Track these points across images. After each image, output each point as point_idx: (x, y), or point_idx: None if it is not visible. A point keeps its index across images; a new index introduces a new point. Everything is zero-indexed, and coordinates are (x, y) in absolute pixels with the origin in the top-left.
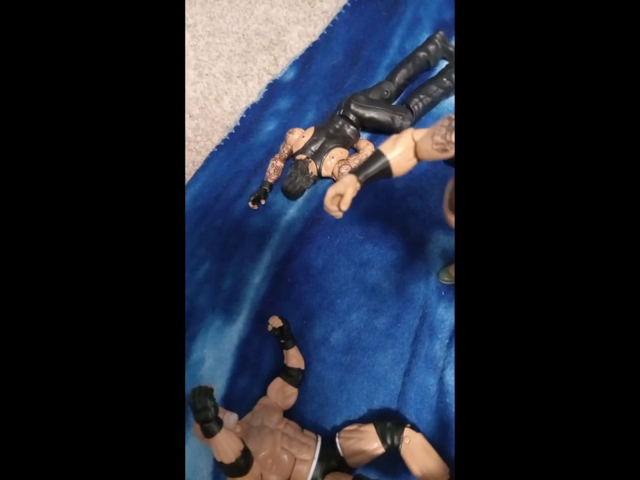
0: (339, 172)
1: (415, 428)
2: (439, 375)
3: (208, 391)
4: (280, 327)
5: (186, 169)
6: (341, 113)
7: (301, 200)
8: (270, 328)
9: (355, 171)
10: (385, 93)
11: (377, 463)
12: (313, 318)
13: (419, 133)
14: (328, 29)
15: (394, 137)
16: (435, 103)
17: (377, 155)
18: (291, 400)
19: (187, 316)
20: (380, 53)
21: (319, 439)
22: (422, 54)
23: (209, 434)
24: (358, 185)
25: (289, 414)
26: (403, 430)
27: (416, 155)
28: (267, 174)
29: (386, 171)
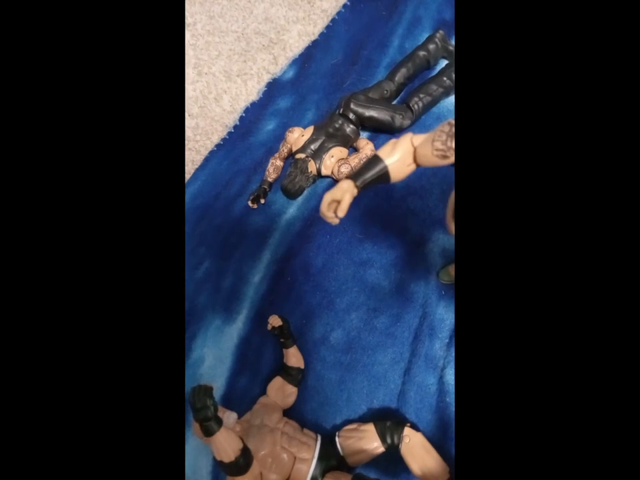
0: (338, 171)
1: (414, 427)
2: (438, 374)
3: (207, 390)
4: (280, 326)
5: (185, 168)
6: (341, 112)
7: (300, 199)
8: (270, 327)
9: (353, 176)
10: (385, 92)
11: (376, 462)
12: (312, 317)
13: (418, 138)
14: (328, 27)
15: (392, 141)
16: (434, 102)
17: (375, 159)
18: (291, 399)
19: (186, 315)
20: (380, 52)
21: (319, 438)
22: (422, 53)
23: (208, 433)
24: (355, 191)
25: (288, 413)
26: (402, 429)
27: (415, 160)
28: (267, 173)
29: (384, 176)
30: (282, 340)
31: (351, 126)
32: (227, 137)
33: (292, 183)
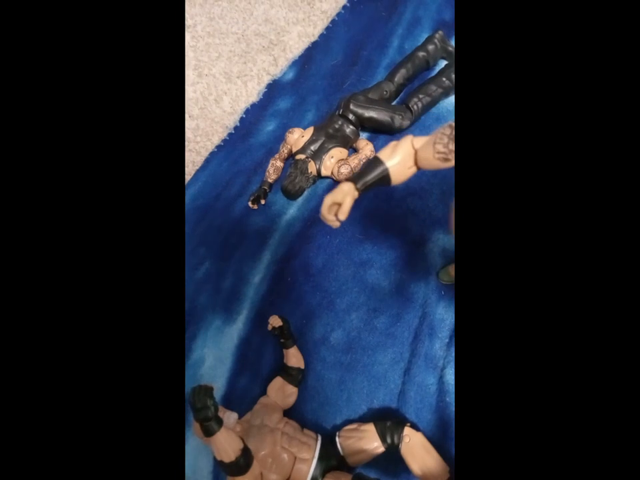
0: (338, 171)
1: (414, 427)
2: (438, 374)
3: (208, 390)
4: (280, 327)
5: (186, 169)
6: (341, 113)
7: (300, 199)
8: (270, 327)
9: (353, 179)
10: (385, 92)
11: (377, 462)
12: (312, 317)
13: (419, 141)
14: (327, 29)
15: (393, 143)
16: (434, 102)
17: (376, 162)
18: (291, 399)
19: (187, 315)
20: (379, 52)
21: (319, 438)
22: (421, 54)
23: (208, 433)
24: (356, 194)
25: (289, 413)
26: (402, 429)
27: (416, 163)
28: (267, 174)
29: (385, 179)
30: (282, 340)
31: (351, 127)
32: (227, 138)
33: (292, 184)
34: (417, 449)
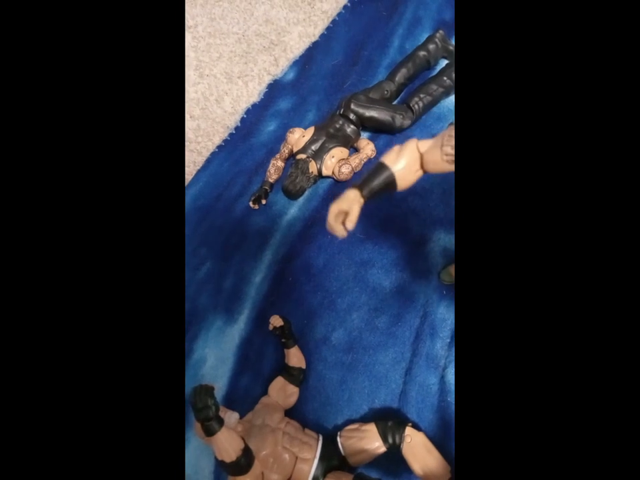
0: (339, 171)
1: (416, 427)
2: (440, 373)
3: (209, 390)
4: (281, 326)
5: (187, 169)
6: (341, 113)
7: (301, 199)
8: (271, 327)
9: (359, 186)
10: (385, 92)
11: (378, 462)
12: (313, 317)
13: (425, 144)
14: (328, 29)
15: (397, 147)
16: (435, 102)
17: (381, 167)
18: (292, 399)
19: (188, 315)
20: (380, 52)
21: (320, 438)
22: (422, 53)
23: (209, 433)
24: (362, 201)
25: (290, 413)
26: (404, 429)
27: (422, 166)
28: (268, 174)
29: (391, 184)
30: (283, 340)
31: (352, 126)
32: (228, 138)
33: (293, 184)
34: (419, 449)
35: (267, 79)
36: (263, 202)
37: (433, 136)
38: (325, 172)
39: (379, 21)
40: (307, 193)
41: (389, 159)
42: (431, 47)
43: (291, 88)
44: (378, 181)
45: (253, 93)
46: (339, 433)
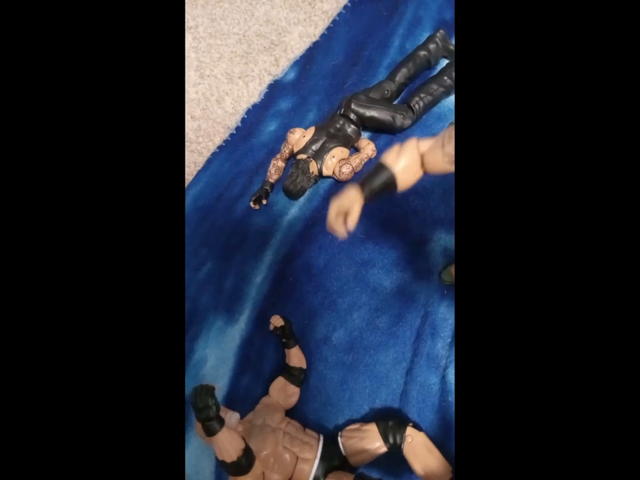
0: (339, 171)
1: (417, 427)
2: (441, 373)
3: (209, 390)
4: (282, 326)
5: (188, 169)
6: (342, 112)
7: (302, 199)
8: (272, 327)
9: (359, 186)
10: (386, 92)
11: (379, 462)
12: (314, 317)
13: (425, 144)
14: (328, 29)
15: (397, 147)
16: (435, 101)
17: (380, 167)
18: (293, 399)
19: (189, 316)
20: (380, 52)
21: (321, 438)
22: (422, 53)
23: (210, 433)
24: (362, 201)
25: (291, 413)
26: (405, 429)
27: (423, 166)
28: (268, 174)
29: (391, 185)
30: (284, 340)
31: (352, 126)
32: (229, 139)
33: (293, 184)
34: (420, 449)
35: (268, 79)
36: (264, 202)
37: (433, 135)
38: (325, 172)
39: (379, 21)
40: (307, 193)
41: (389, 158)
42: (432, 46)
43: (291, 88)
44: (378, 182)
45: (253, 93)
46: (339, 433)
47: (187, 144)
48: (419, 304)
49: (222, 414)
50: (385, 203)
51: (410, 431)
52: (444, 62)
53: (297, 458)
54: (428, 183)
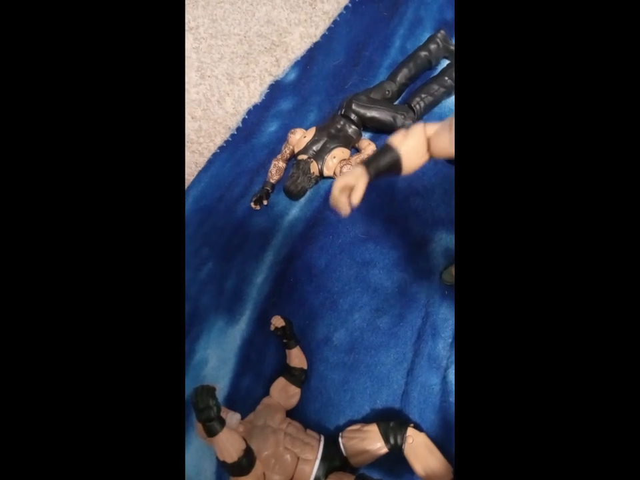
0: (340, 172)
1: (418, 427)
2: (442, 374)
3: (210, 390)
4: (282, 327)
5: (188, 170)
6: (343, 113)
7: (303, 200)
8: (272, 328)
9: (365, 164)
10: (387, 92)
11: (380, 462)
12: (315, 318)
13: (432, 128)
14: (329, 29)
15: (403, 130)
16: (436, 102)
17: (387, 148)
18: (294, 400)
19: (190, 316)
20: (381, 53)
21: (322, 438)
22: (423, 53)
23: (211, 433)
24: (368, 177)
25: (291, 414)
26: (406, 429)
27: (429, 150)
28: (269, 174)
29: (396, 165)
30: (285, 341)
31: (353, 127)
32: (230, 139)
33: (294, 184)
34: (420, 450)
35: (268, 80)
36: (265, 203)
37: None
38: (326, 172)
39: (380, 22)
40: (308, 193)
41: (395, 140)
42: (432, 47)
43: (292, 89)
44: (384, 162)
45: (254, 93)
46: (340, 434)
47: (187, 144)
48: (420, 304)
49: (223, 414)
50: (386, 203)
51: (411, 431)
52: (445, 62)
53: (298, 458)
54: (429, 183)
